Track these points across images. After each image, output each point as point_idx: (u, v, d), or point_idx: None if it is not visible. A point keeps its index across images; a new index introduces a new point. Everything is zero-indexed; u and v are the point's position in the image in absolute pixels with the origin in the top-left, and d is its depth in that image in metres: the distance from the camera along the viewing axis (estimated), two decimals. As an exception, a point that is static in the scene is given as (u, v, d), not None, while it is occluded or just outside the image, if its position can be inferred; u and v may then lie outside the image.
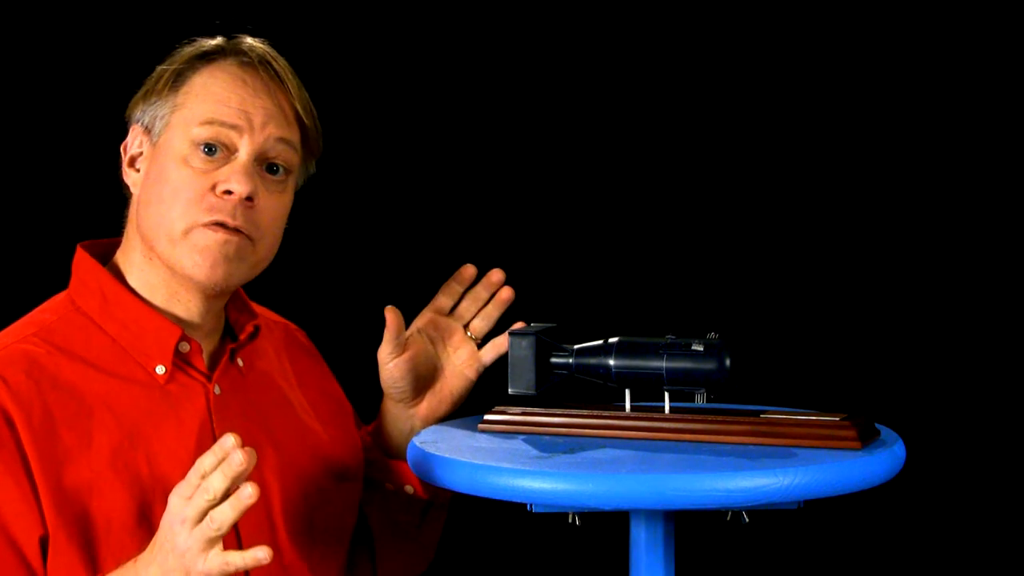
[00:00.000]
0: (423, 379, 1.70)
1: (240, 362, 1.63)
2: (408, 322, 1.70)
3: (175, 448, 1.51)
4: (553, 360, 1.61)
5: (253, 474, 1.55)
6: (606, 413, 1.54)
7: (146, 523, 1.47)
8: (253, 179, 1.54)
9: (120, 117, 1.62)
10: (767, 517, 1.46)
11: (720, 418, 1.49)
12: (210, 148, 1.54)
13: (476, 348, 1.72)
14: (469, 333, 1.72)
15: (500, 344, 1.70)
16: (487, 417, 1.60)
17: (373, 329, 1.68)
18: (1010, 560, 2.40)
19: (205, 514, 1.32)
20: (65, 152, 2.30)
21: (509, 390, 1.62)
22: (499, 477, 1.37)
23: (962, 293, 2.40)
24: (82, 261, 1.59)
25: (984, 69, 2.37)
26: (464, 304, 1.73)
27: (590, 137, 2.47)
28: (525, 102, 2.46)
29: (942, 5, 2.37)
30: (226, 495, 1.32)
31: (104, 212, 1.66)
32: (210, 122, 1.54)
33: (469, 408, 1.72)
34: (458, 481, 1.41)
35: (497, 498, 1.38)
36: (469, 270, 1.73)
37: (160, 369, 1.54)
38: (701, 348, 1.51)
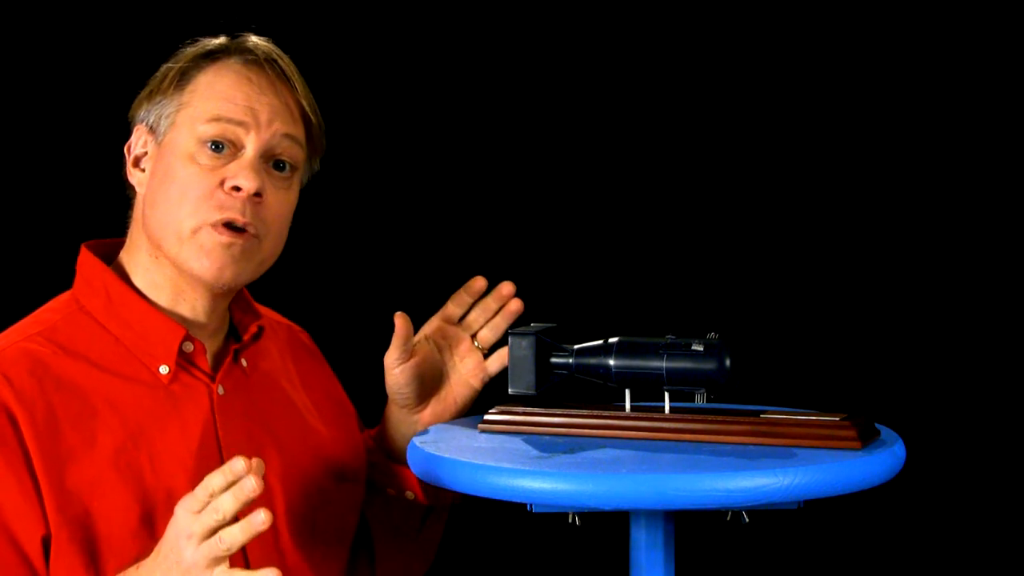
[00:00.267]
0: (428, 386, 1.70)
1: (244, 362, 1.63)
2: (416, 328, 1.70)
3: (178, 448, 1.51)
4: (553, 360, 1.62)
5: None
6: (606, 413, 1.54)
7: (148, 523, 1.47)
8: (261, 175, 1.54)
9: (122, 117, 1.63)
10: (767, 517, 1.46)
11: (720, 418, 1.49)
12: (217, 145, 1.54)
13: (482, 358, 1.72)
14: (476, 343, 1.72)
15: (505, 355, 1.70)
16: (487, 417, 1.61)
17: (379, 333, 1.68)
18: (1010, 560, 2.40)
19: (213, 532, 1.32)
20: (68, 152, 2.30)
21: (509, 390, 1.62)
22: (499, 477, 1.37)
23: (962, 293, 2.40)
24: (86, 261, 1.59)
25: (984, 69, 2.38)
26: (473, 314, 1.73)
27: (590, 138, 2.47)
28: (528, 104, 2.46)
29: (942, 5, 2.38)
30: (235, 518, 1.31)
31: (108, 212, 1.66)
32: (216, 119, 1.54)
33: (469, 408, 1.73)
34: (458, 481, 1.41)
35: (497, 498, 1.38)
36: (479, 282, 1.73)
37: (164, 369, 1.54)
38: (701, 348, 1.51)
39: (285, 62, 1.60)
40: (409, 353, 1.67)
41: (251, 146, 1.55)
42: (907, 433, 1.51)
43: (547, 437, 1.54)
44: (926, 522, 2.41)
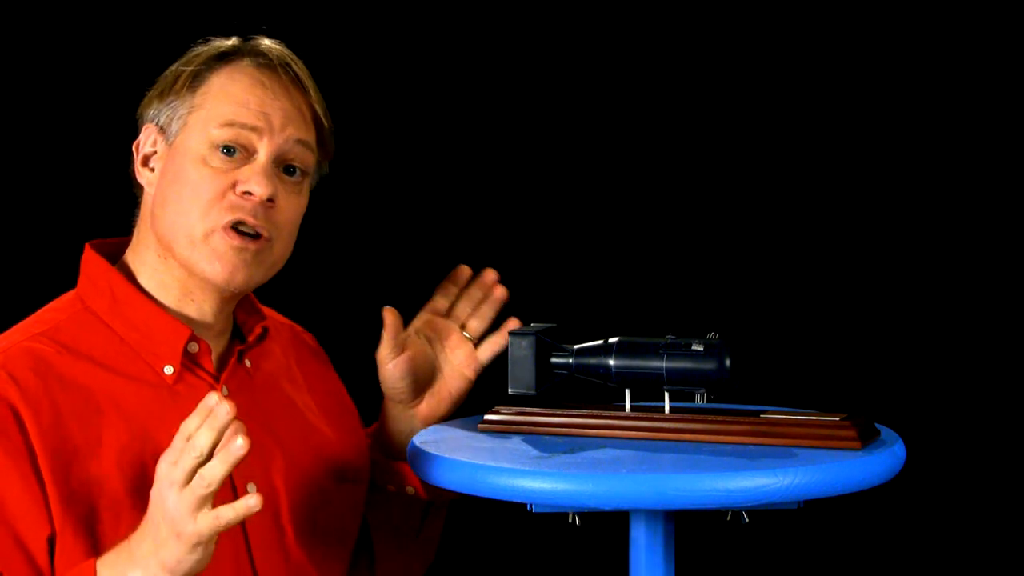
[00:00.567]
0: (422, 380, 1.70)
1: (247, 363, 1.63)
2: (407, 324, 1.70)
3: (181, 449, 1.51)
4: (553, 360, 1.62)
5: (260, 475, 1.56)
6: (606, 413, 1.54)
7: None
8: (273, 181, 1.54)
9: (127, 116, 1.62)
10: (767, 517, 1.46)
11: (720, 418, 1.49)
12: (229, 149, 1.54)
13: (473, 348, 1.72)
14: (466, 333, 1.73)
15: (496, 342, 1.71)
16: (487, 417, 1.61)
17: (374, 331, 1.68)
18: (1010, 560, 2.40)
19: (194, 474, 1.31)
20: (73, 151, 2.30)
21: (509, 390, 1.62)
22: (499, 477, 1.37)
23: (962, 293, 2.40)
24: (91, 260, 1.59)
25: (984, 69, 2.38)
26: (460, 305, 1.73)
27: (590, 137, 2.47)
28: (525, 103, 2.46)
29: (942, 5, 2.38)
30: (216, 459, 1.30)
31: (112, 211, 1.66)
32: (230, 124, 1.54)
33: (469, 408, 1.72)
34: (458, 481, 1.41)
35: (497, 498, 1.38)
36: (464, 271, 1.74)
37: (168, 369, 1.54)
38: (701, 348, 1.51)
39: (299, 66, 1.60)
40: (401, 347, 1.67)
41: (264, 151, 1.55)
42: (907, 433, 1.51)
43: (547, 437, 1.54)
44: (926, 522, 2.41)
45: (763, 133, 2.44)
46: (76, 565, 1.42)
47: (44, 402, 1.46)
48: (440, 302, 1.73)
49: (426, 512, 1.75)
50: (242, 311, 1.65)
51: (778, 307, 2.43)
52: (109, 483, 1.46)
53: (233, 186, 1.53)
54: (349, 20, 2.43)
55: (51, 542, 1.44)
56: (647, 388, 1.55)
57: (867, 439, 1.44)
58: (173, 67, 1.59)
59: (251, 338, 1.64)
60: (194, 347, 1.56)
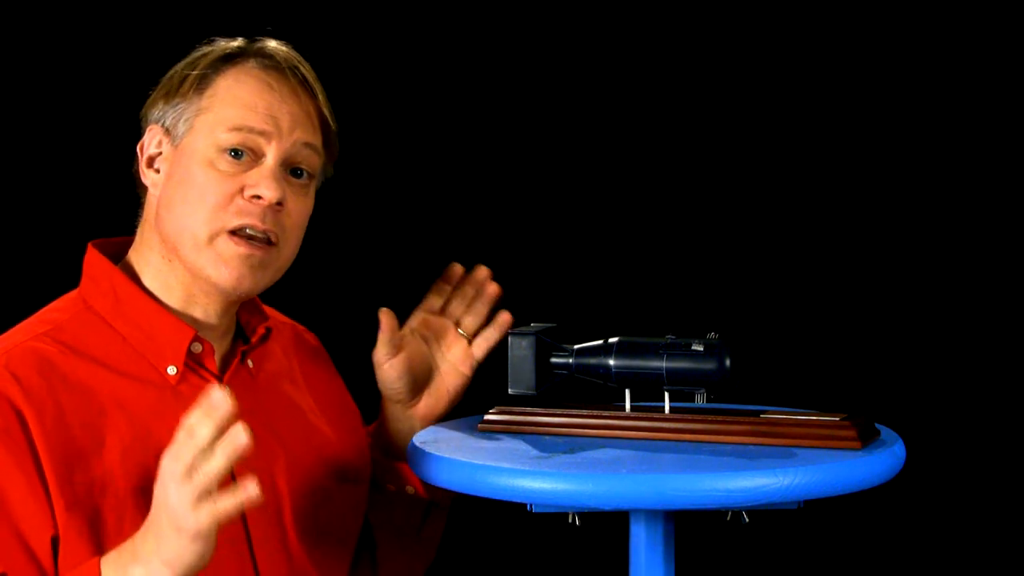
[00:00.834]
0: (419, 379, 1.71)
1: (250, 364, 1.63)
2: (402, 324, 1.71)
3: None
4: (553, 360, 1.62)
5: (263, 475, 1.55)
6: (606, 413, 1.55)
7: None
8: (281, 184, 1.54)
9: (130, 116, 1.62)
10: (767, 517, 1.46)
11: (720, 418, 1.50)
12: (237, 152, 1.54)
13: (468, 345, 1.73)
14: (460, 330, 1.73)
15: (490, 337, 1.71)
16: (487, 417, 1.61)
17: (374, 331, 1.68)
18: (1010, 560, 2.40)
19: (195, 468, 1.31)
20: (75, 150, 2.30)
21: (509, 390, 1.62)
22: (499, 477, 1.37)
23: (962, 293, 2.40)
24: (94, 260, 1.59)
25: (984, 69, 2.38)
26: (453, 303, 1.73)
27: (589, 137, 2.47)
28: (524, 103, 2.46)
29: (942, 5, 2.38)
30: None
31: (115, 211, 1.66)
32: (238, 128, 1.53)
33: (469, 408, 1.73)
34: (458, 481, 1.41)
35: (497, 498, 1.38)
36: (456, 269, 1.74)
37: (171, 370, 1.54)
38: (701, 348, 1.52)
39: (306, 68, 1.59)
40: (397, 347, 1.67)
41: (272, 155, 1.54)
42: (907, 433, 1.51)
43: (547, 437, 1.54)
44: (926, 522, 2.41)
45: (763, 133, 2.44)
46: (80, 564, 1.42)
47: (47, 402, 1.46)
48: (434, 301, 1.74)
49: (427, 512, 1.75)
50: (245, 311, 1.65)
51: (778, 307, 2.43)
52: (112, 483, 1.46)
53: (241, 190, 1.53)
54: (349, 20, 2.43)
55: (55, 542, 1.44)
56: (647, 388, 1.55)
57: (867, 439, 1.44)
58: (178, 68, 1.59)
59: (254, 339, 1.64)
60: (197, 347, 1.56)
